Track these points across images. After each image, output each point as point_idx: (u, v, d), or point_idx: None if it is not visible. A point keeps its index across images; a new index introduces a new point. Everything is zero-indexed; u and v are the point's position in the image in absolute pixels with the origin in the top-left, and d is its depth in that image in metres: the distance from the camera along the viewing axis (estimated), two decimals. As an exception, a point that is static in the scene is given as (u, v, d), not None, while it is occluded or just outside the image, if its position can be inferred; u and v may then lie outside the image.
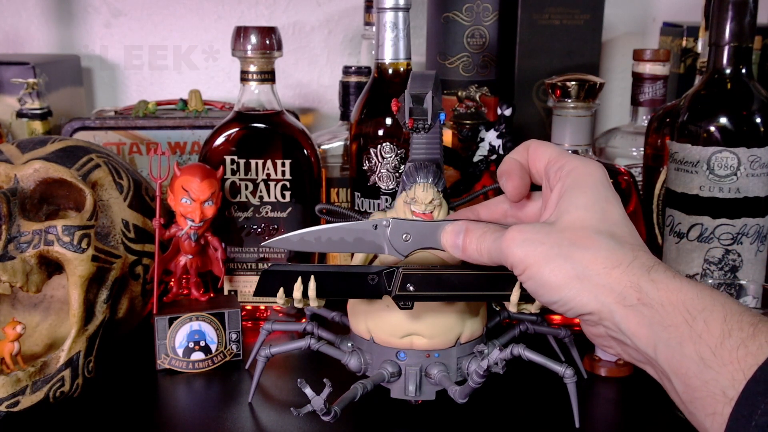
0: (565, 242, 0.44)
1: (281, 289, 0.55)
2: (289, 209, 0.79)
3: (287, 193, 0.78)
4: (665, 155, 0.71)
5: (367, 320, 0.61)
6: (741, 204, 0.66)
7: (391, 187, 0.76)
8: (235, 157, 0.77)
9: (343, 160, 0.90)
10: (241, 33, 0.76)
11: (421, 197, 0.57)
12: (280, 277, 0.55)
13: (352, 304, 0.63)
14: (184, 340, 0.69)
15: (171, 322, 0.69)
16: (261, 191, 0.78)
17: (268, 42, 0.76)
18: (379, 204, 0.76)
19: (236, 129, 0.77)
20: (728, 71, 0.66)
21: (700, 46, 0.97)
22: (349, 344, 0.63)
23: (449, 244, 0.50)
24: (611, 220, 0.45)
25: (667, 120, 0.79)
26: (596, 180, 0.47)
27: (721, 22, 0.65)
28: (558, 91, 0.74)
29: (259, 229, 0.79)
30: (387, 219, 0.53)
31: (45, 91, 0.95)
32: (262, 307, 0.81)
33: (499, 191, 0.54)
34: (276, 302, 0.55)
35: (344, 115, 0.93)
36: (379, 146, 0.75)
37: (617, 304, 0.42)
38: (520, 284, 0.52)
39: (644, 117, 0.90)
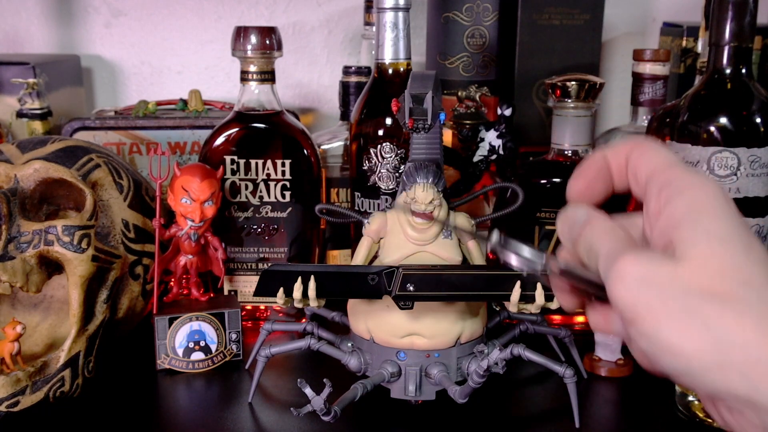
0: (694, 290, 0.30)
1: (281, 289, 0.55)
2: (289, 209, 0.79)
3: (287, 193, 0.78)
4: (665, 155, 0.70)
5: (367, 320, 0.61)
6: (741, 204, 0.66)
7: (391, 187, 0.76)
8: (235, 157, 0.77)
9: (343, 160, 0.90)
10: (241, 33, 0.76)
11: (421, 197, 0.57)
12: (280, 277, 0.55)
13: (352, 304, 0.63)
14: (184, 340, 0.69)
15: (171, 322, 0.69)
16: (261, 191, 0.78)
17: (268, 42, 0.76)
18: (379, 204, 0.76)
19: (236, 129, 0.77)
20: (728, 71, 0.66)
21: (700, 46, 0.97)
22: (349, 344, 0.63)
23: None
24: (758, 261, 0.30)
25: (667, 120, 0.79)
26: (724, 204, 0.32)
27: (721, 22, 0.65)
28: (558, 91, 0.74)
29: (259, 229, 0.79)
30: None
31: (45, 91, 0.94)
32: (262, 307, 0.81)
33: (498, 190, 0.54)
34: (276, 302, 0.55)
35: (344, 115, 0.93)
36: (379, 146, 0.75)
37: None
38: (521, 284, 0.52)
39: (644, 117, 0.90)
